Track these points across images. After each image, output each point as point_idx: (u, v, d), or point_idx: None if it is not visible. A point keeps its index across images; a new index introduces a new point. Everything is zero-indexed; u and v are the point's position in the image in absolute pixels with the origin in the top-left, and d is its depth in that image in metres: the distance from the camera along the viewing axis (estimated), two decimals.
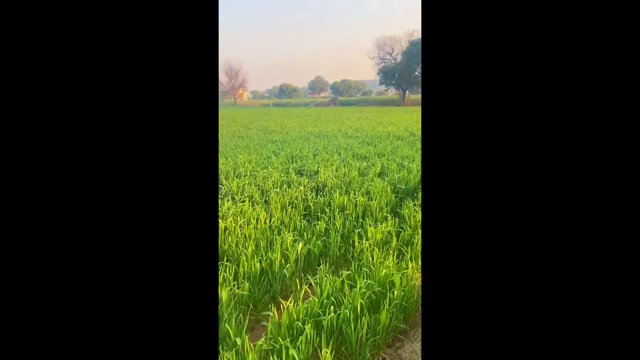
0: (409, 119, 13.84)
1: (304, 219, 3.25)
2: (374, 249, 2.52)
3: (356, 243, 2.64)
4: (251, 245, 2.51)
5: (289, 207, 3.36)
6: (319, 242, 2.67)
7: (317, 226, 2.92)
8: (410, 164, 5.06)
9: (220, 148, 6.92)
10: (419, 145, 6.60)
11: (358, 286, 1.95)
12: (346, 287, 2.01)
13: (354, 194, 3.65)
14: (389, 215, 3.19)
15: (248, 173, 4.52)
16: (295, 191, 3.74)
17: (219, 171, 4.61)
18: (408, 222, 3.04)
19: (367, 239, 2.71)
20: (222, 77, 53.39)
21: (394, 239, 2.69)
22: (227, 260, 2.52)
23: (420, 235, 2.65)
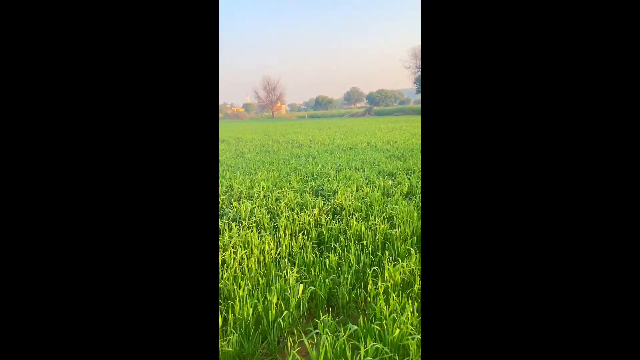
0: None
1: (316, 248, 2.89)
2: (390, 294, 2.08)
3: (370, 286, 2.22)
4: (248, 284, 2.20)
5: (300, 234, 3.03)
6: (327, 280, 2.29)
7: (328, 260, 2.54)
8: None
9: (243, 164, 6.81)
10: None
11: (362, 351, 1.55)
12: (348, 351, 1.61)
13: (375, 220, 3.23)
14: (413, 249, 2.72)
15: (262, 194, 4.27)
16: (309, 215, 3.40)
17: (232, 192, 4.42)
18: None
19: (383, 280, 2.28)
20: (261, 93, 55.37)
21: (417, 280, 2.23)
22: (220, 303, 2.22)
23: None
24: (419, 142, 9.14)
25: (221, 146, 10.87)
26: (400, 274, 2.29)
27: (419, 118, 26.79)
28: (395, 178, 5.06)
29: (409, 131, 13.35)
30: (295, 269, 2.40)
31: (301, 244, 2.89)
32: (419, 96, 43.81)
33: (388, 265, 2.37)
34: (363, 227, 3.02)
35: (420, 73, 35.76)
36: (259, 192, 4.35)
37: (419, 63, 36.77)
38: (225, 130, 20.34)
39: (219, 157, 7.67)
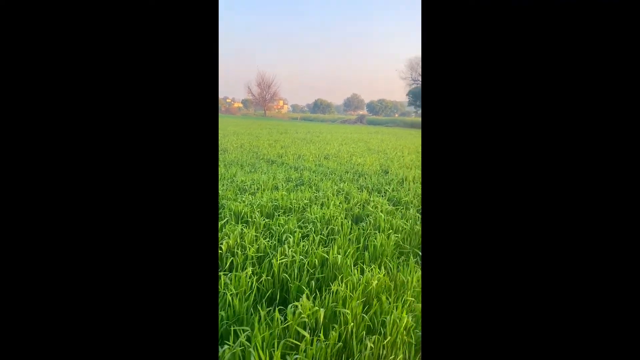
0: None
1: None
2: None
3: None
4: None
5: None
6: None
7: None
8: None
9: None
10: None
11: None
12: None
13: None
14: None
15: None
16: None
17: None
18: None
19: None
20: (255, 89, 54.50)
21: None
22: None
23: None
24: (376, 160, 8.15)
25: None
26: None
27: (403, 131, 25.91)
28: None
29: (392, 144, 12.35)
30: None
31: None
32: (411, 108, 43.17)
33: None
34: None
35: (415, 85, 35.10)
36: None
37: (415, 75, 36.15)
38: None
39: None
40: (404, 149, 10.26)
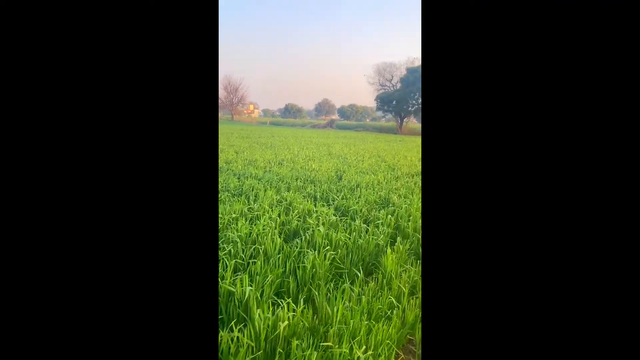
0: (375, 149, 11.81)
1: None
2: None
3: None
4: None
5: None
6: None
7: None
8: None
9: None
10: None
11: None
12: None
13: None
14: None
15: None
16: None
17: None
18: None
19: None
20: (221, 92, 53.02)
21: None
22: None
23: None
24: (324, 166, 7.80)
25: None
26: None
27: (374, 135, 26.08)
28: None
29: (356, 147, 12.08)
30: None
31: None
32: (379, 113, 43.93)
33: None
34: None
35: (382, 90, 35.69)
36: None
37: (383, 80, 36.87)
38: None
39: None
40: (366, 153, 10.03)
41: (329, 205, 4.13)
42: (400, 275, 2.64)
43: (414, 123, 45.19)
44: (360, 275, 2.55)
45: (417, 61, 33.10)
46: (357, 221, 3.47)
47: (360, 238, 3.10)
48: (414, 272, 2.76)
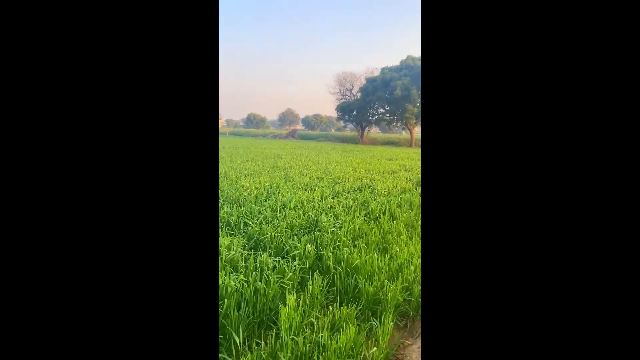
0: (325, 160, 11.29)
1: None
2: None
3: None
4: None
5: None
6: None
7: None
8: None
9: None
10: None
11: None
12: None
13: None
14: None
15: None
16: None
17: None
18: None
19: None
20: None
21: None
22: None
23: None
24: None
25: None
26: None
27: (334, 145, 25.81)
28: None
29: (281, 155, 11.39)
30: None
31: None
32: (340, 123, 44.21)
33: None
34: None
35: (343, 100, 35.87)
36: None
37: (343, 90, 37.08)
38: None
39: None
40: (314, 165, 9.42)
41: (241, 232, 3.38)
42: (299, 333, 1.96)
43: (376, 132, 46.04)
44: (239, 342, 1.83)
45: (377, 71, 33.79)
46: (262, 255, 2.75)
47: (259, 281, 2.38)
48: (327, 320, 2.09)
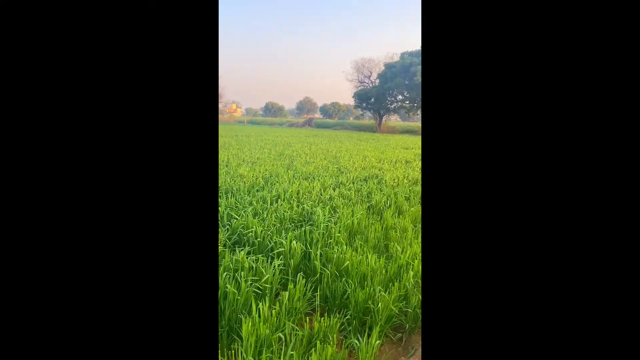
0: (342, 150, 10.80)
1: None
2: None
3: None
4: None
5: None
6: None
7: None
8: None
9: None
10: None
11: None
12: None
13: None
14: None
15: None
16: None
17: None
18: None
19: None
20: None
21: None
22: None
23: None
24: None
25: None
26: None
27: (350, 134, 25.17)
28: None
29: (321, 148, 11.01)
30: None
31: None
32: (358, 110, 43.17)
33: None
34: None
35: (361, 87, 34.79)
36: None
37: (361, 77, 35.92)
38: None
39: None
40: (322, 154, 9.02)
41: (225, 226, 3.09)
42: (264, 350, 1.64)
43: (395, 121, 44.70)
44: None
45: (396, 56, 32.44)
46: (242, 252, 2.44)
47: (228, 284, 2.08)
48: (304, 334, 1.77)
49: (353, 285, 2.22)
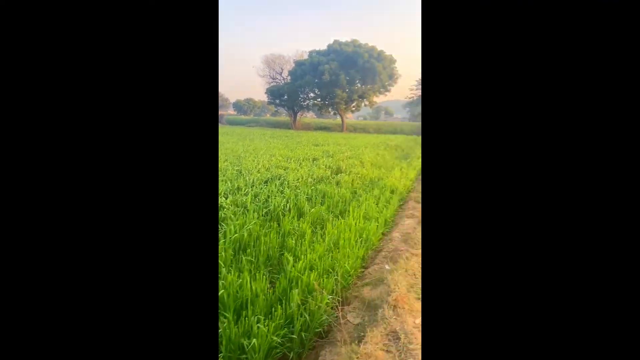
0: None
1: None
2: None
3: None
4: None
5: None
6: None
7: None
8: None
9: None
10: None
11: None
12: None
13: None
14: None
15: None
16: None
17: None
18: None
19: None
20: None
21: None
22: None
23: None
24: None
25: None
26: None
27: (263, 131, 24.51)
28: None
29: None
30: None
31: None
32: (271, 107, 42.71)
33: None
34: None
35: (273, 83, 34.20)
36: None
37: (273, 73, 35.32)
38: None
39: None
40: (223, 155, 8.34)
41: None
42: None
43: (311, 118, 45.50)
44: None
45: (305, 54, 32.79)
46: None
47: None
48: None
49: (226, 322, 1.85)
